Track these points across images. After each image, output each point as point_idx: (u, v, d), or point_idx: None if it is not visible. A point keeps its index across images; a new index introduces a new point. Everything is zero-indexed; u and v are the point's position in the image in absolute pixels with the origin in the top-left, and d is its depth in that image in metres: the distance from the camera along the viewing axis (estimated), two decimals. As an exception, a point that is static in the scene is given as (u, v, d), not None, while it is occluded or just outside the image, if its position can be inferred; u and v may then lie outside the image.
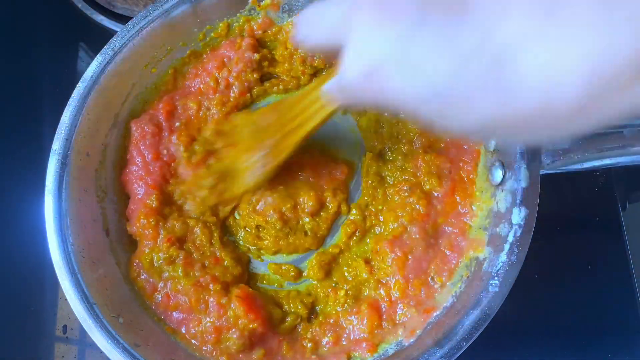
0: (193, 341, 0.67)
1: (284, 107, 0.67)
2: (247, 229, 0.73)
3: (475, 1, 0.32)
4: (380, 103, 0.39)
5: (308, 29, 0.46)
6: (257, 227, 0.73)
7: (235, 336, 0.64)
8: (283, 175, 0.71)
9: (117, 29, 0.73)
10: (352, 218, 0.73)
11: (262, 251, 0.74)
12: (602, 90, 0.30)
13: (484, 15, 0.32)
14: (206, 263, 0.69)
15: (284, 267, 0.72)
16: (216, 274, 0.68)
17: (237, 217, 0.74)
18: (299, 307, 0.69)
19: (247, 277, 0.72)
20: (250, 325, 0.65)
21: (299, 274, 0.73)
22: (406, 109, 0.37)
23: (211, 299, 0.66)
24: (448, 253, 0.69)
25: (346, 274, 0.72)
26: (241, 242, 0.74)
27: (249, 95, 0.78)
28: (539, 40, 0.30)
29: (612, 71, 0.29)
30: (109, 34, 0.72)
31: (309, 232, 0.73)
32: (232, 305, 0.65)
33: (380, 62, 0.36)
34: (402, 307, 0.67)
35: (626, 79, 0.29)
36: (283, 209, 0.71)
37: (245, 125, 0.71)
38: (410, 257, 0.69)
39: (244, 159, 0.69)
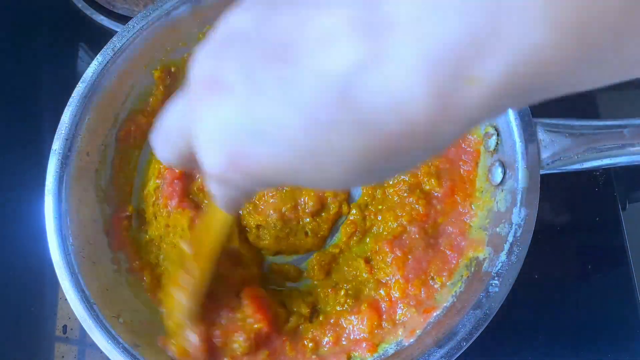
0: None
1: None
2: (247, 229, 0.73)
3: (294, 42, 0.30)
4: (256, 183, 0.37)
5: (164, 148, 0.43)
6: (258, 226, 0.73)
7: (241, 338, 0.64)
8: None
9: (117, 29, 0.73)
10: (352, 218, 0.73)
11: (262, 251, 0.73)
12: (448, 83, 0.28)
13: (308, 55, 0.30)
14: None
15: (284, 267, 0.72)
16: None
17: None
18: (302, 306, 0.69)
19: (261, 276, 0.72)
20: (256, 326, 0.64)
21: (300, 274, 0.73)
22: (282, 180, 0.35)
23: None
24: (448, 253, 0.69)
25: (346, 274, 0.72)
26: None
27: None
28: (370, 61, 0.28)
29: (447, 57, 0.27)
30: (109, 34, 0.72)
31: (309, 233, 0.73)
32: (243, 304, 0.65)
33: (235, 141, 0.33)
34: (402, 307, 0.67)
35: (466, 63, 0.27)
36: (283, 209, 0.71)
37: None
38: (410, 257, 0.69)
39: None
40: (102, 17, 0.91)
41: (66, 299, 0.63)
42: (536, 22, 0.25)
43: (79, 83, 0.70)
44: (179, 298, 0.62)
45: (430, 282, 0.68)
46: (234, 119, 0.32)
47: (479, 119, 0.30)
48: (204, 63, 0.34)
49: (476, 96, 0.28)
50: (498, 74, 0.27)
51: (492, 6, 0.25)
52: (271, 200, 0.71)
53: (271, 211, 0.71)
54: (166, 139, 0.42)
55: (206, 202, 0.67)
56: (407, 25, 0.27)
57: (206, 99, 0.33)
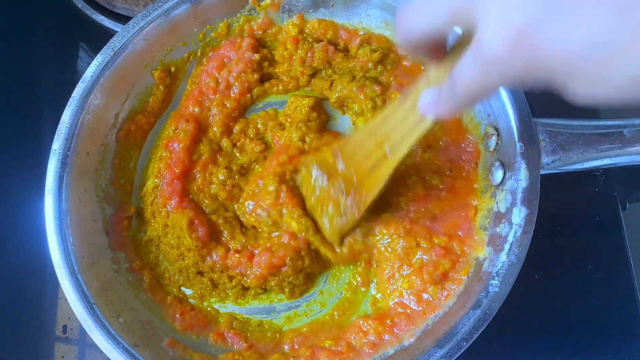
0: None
1: (368, 131, 0.63)
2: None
3: None
4: (531, 69, 0.36)
5: (422, 13, 0.42)
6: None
7: None
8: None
9: (117, 29, 0.73)
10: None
11: None
12: None
13: None
14: None
15: None
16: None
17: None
18: None
19: None
20: None
21: None
22: (560, 71, 0.35)
23: None
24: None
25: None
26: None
27: (249, 95, 0.78)
28: None
29: None
30: (109, 34, 0.72)
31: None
32: None
33: (533, 21, 0.34)
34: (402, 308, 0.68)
35: None
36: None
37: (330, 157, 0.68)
38: (410, 257, 0.69)
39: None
40: (102, 17, 0.91)
41: (66, 299, 0.63)
42: None
43: (79, 83, 0.70)
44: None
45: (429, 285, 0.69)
46: (542, 2, 0.33)
47: None
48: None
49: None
50: None
51: None
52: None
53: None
54: (437, 3, 0.41)
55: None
56: None
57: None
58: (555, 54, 0.34)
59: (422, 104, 0.51)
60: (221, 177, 0.74)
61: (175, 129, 0.76)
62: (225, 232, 0.71)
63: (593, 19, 0.32)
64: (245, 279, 0.70)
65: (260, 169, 0.75)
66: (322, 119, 0.77)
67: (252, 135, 0.77)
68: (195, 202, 0.73)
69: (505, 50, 0.35)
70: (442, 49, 0.44)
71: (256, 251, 0.69)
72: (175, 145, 0.74)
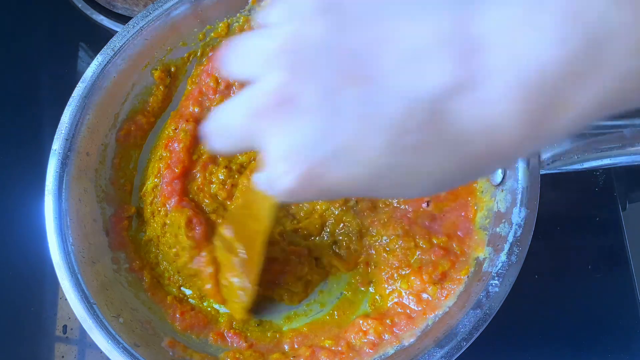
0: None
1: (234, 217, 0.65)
2: None
3: (377, 58, 0.29)
4: (326, 193, 0.36)
5: (218, 140, 0.40)
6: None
7: None
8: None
9: (117, 29, 0.73)
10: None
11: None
12: (542, 109, 0.28)
13: (393, 74, 0.29)
14: None
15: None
16: None
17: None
18: None
19: None
20: None
21: None
22: (355, 194, 0.37)
23: None
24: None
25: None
26: None
27: None
28: (463, 84, 0.28)
29: (544, 83, 0.27)
30: (109, 34, 0.72)
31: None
32: None
33: (311, 163, 0.33)
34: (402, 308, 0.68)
35: (564, 90, 0.27)
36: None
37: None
38: (409, 257, 0.69)
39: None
40: (102, 17, 0.91)
41: (66, 299, 0.63)
42: (633, 51, 0.25)
43: (79, 83, 0.70)
44: (237, 282, 0.63)
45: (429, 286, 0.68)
46: (311, 140, 0.32)
47: (565, 137, 0.31)
48: (275, 74, 0.32)
49: (570, 119, 0.28)
50: (595, 98, 0.27)
51: (591, 32, 0.25)
52: None
53: None
54: (225, 135, 0.39)
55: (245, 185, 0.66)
56: (501, 46, 0.27)
57: (280, 117, 0.32)
58: (344, 187, 0.34)
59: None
60: (221, 177, 0.74)
61: (175, 129, 0.76)
62: None
63: (371, 145, 0.31)
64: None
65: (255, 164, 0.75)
66: None
67: None
68: (195, 201, 0.73)
69: (293, 190, 0.35)
70: None
71: None
72: (176, 145, 0.74)
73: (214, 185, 0.74)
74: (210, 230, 0.71)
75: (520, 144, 0.30)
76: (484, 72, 0.27)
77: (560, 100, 0.27)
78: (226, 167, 0.75)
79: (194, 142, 0.75)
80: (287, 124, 0.32)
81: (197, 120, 0.76)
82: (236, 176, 0.75)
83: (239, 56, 0.35)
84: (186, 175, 0.74)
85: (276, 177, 0.35)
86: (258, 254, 0.61)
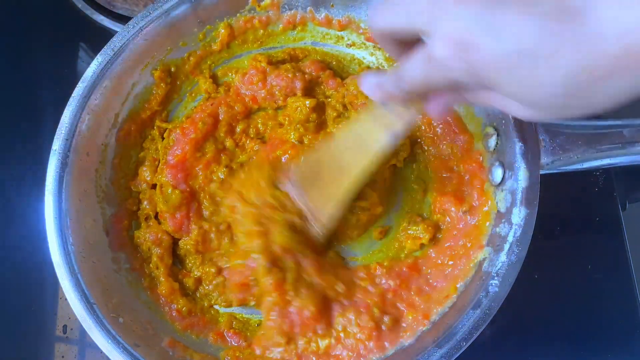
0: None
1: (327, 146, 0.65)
2: None
3: None
4: (470, 75, 0.42)
5: (387, 14, 0.47)
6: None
7: None
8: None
9: (117, 29, 0.73)
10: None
11: None
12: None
13: None
14: None
15: None
16: None
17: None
18: None
19: None
20: None
21: None
22: (494, 76, 0.40)
23: None
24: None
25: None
26: None
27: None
28: None
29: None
30: (109, 34, 0.72)
31: None
32: None
33: (468, 34, 0.39)
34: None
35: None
36: None
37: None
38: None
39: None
40: (102, 17, 0.91)
41: (66, 299, 0.63)
42: None
43: (79, 83, 0.70)
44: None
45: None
46: (474, 16, 0.39)
47: None
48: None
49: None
50: None
51: None
52: None
53: None
54: (395, 11, 0.46)
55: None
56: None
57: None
58: (487, 63, 0.40)
59: (364, 83, 0.54)
60: (221, 176, 0.74)
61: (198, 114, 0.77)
62: (213, 238, 0.73)
63: (519, 30, 0.38)
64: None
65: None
66: (322, 120, 0.77)
67: (252, 135, 0.78)
68: (197, 199, 0.74)
69: (448, 56, 0.41)
70: (403, 52, 0.49)
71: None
72: (191, 131, 0.75)
73: (214, 184, 0.74)
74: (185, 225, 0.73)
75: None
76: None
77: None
78: (227, 166, 0.75)
79: (204, 139, 0.75)
80: (460, 3, 0.40)
81: (215, 119, 0.77)
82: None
83: None
84: (189, 172, 0.74)
85: (434, 46, 0.42)
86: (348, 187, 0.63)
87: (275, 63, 0.80)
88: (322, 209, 0.66)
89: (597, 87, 0.38)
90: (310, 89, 0.79)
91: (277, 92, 0.77)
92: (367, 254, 0.74)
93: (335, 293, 0.67)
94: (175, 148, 0.74)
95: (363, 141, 0.59)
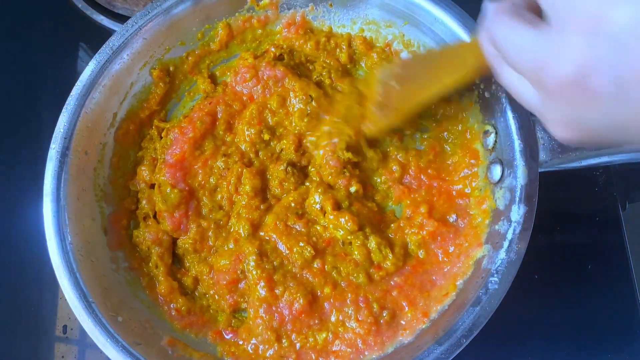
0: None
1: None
2: None
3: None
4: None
5: (505, 86, 0.49)
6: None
7: None
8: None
9: (117, 29, 0.73)
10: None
11: None
12: None
13: None
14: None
15: None
16: None
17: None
18: None
19: None
20: None
21: None
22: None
23: None
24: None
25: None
26: None
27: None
28: None
29: None
30: (109, 34, 0.72)
31: None
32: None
33: (588, 131, 0.41)
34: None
35: None
36: None
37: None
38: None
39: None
40: (102, 17, 0.92)
41: (66, 299, 0.63)
42: None
43: (77, 82, 0.70)
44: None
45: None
46: (593, 119, 0.39)
47: None
48: (570, 51, 0.37)
49: None
50: None
51: None
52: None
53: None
54: (510, 64, 0.45)
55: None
56: None
57: (567, 95, 0.39)
58: (599, 143, 0.45)
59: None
60: (220, 165, 0.74)
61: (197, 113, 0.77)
62: (211, 235, 0.73)
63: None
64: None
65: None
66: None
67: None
68: (195, 197, 0.74)
69: (569, 138, 0.44)
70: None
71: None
72: (189, 130, 0.75)
73: (213, 178, 0.74)
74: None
75: None
76: None
77: None
78: (225, 155, 0.75)
79: (202, 138, 0.75)
80: (578, 104, 0.39)
81: (213, 118, 0.77)
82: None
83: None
84: (188, 169, 0.74)
85: (554, 131, 0.44)
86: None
87: (259, 56, 0.80)
88: (401, 106, 0.69)
89: None
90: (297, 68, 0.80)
91: (271, 84, 0.77)
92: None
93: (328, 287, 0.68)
94: (174, 147, 0.74)
95: (455, 61, 0.63)
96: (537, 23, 0.41)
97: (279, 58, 0.80)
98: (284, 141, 0.74)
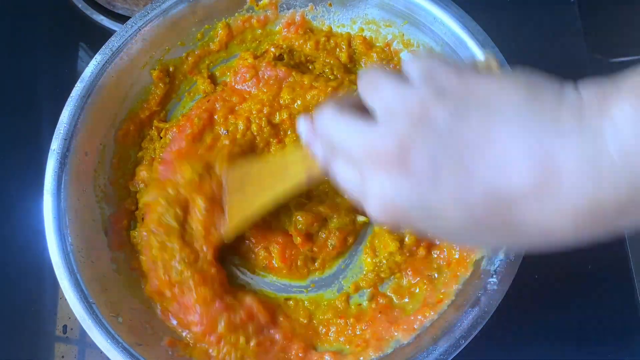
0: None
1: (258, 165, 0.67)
2: None
3: (478, 159, 0.37)
4: (396, 229, 0.48)
5: (320, 149, 0.50)
6: None
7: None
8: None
9: (117, 29, 0.74)
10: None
11: None
12: (589, 229, 0.38)
13: (485, 167, 0.37)
14: None
15: None
16: None
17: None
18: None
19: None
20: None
21: None
22: (423, 234, 0.47)
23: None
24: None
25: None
26: None
27: None
28: (535, 194, 0.36)
29: (598, 214, 0.36)
30: (109, 34, 0.72)
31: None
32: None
33: (402, 211, 0.41)
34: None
35: (609, 220, 0.37)
36: None
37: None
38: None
39: None
40: (102, 17, 0.92)
41: (66, 299, 0.63)
42: None
43: (77, 83, 0.70)
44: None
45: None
46: (407, 195, 0.40)
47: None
48: (394, 132, 0.40)
49: (603, 233, 0.38)
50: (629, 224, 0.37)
51: (633, 183, 0.34)
52: None
53: None
54: (329, 149, 0.47)
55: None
56: (574, 179, 0.35)
57: (386, 168, 0.40)
58: (416, 229, 0.46)
59: (300, 122, 0.54)
60: (225, 142, 0.74)
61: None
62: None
63: (449, 215, 0.40)
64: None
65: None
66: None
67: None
68: None
69: (381, 218, 0.44)
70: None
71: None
72: (187, 127, 0.75)
73: None
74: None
75: (568, 243, 0.39)
76: (555, 192, 0.36)
77: (607, 225, 0.37)
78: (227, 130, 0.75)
79: (200, 134, 0.75)
80: (392, 177, 0.40)
81: (211, 114, 0.76)
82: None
83: (377, 89, 0.43)
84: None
85: (368, 208, 0.44)
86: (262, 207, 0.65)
87: (259, 56, 0.80)
88: (234, 215, 0.68)
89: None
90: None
91: (272, 82, 0.77)
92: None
93: None
94: (171, 145, 0.74)
95: (286, 172, 0.61)
96: (361, 114, 0.44)
97: (279, 58, 0.79)
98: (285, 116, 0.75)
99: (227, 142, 0.74)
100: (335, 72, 0.78)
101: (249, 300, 0.68)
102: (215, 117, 0.76)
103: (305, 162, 0.56)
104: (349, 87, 0.74)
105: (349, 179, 0.46)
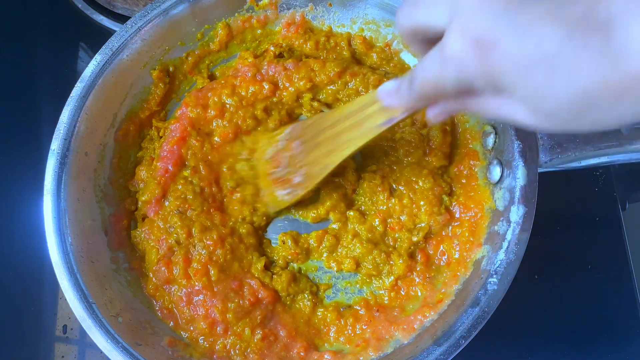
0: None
1: (331, 118, 0.66)
2: None
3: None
4: (483, 74, 0.40)
5: (411, 11, 0.47)
6: None
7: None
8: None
9: (117, 29, 0.74)
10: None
11: None
12: None
13: None
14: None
15: None
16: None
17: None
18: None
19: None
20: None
21: None
22: (509, 79, 0.39)
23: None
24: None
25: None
26: None
27: None
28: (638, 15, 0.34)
29: None
30: (109, 34, 0.72)
31: None
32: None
33: (489, 32, 0.38)
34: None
35: None
36: None
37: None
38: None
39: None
40: (102, 17, 0.92)
41: (66, 299, 0.63)
42: None
43: (77, 83, 0.70)
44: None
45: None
46: (498, 13, 0.38)
47: None
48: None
49: None
50: None
51: None
52: None
53: None
54: (424, 4, 0.45)
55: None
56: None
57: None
58: (505, 64, 0.39)
59: (381, 91, 0.55)
60: (225, 123, 0.76)
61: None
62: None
63: (543, 35, 0.36)
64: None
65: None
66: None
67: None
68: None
69: (464, 52, 0.40)
70: (426, 50, 0.47)
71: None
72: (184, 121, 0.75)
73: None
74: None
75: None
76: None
77: None
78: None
79: (194, 128, 0.76)
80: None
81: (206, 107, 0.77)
82: None
83: None
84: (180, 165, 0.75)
85: (453, 40, 0.40)
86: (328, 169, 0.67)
87: (259, 56, 0.80)
88: (312, 173, 0.69)
89: (611, 104, 0.37)
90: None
91: (278, 76, 0.78)
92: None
93: None
94: (168, 140, 0.74)
95: (362, 123, 0.60)
96: None
97: (279, 56, 0.80)
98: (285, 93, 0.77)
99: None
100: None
101: (255, 283, 0.69)
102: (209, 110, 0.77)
103: (382, 110, 0.56)
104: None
105: (438, 7, 0.43)
